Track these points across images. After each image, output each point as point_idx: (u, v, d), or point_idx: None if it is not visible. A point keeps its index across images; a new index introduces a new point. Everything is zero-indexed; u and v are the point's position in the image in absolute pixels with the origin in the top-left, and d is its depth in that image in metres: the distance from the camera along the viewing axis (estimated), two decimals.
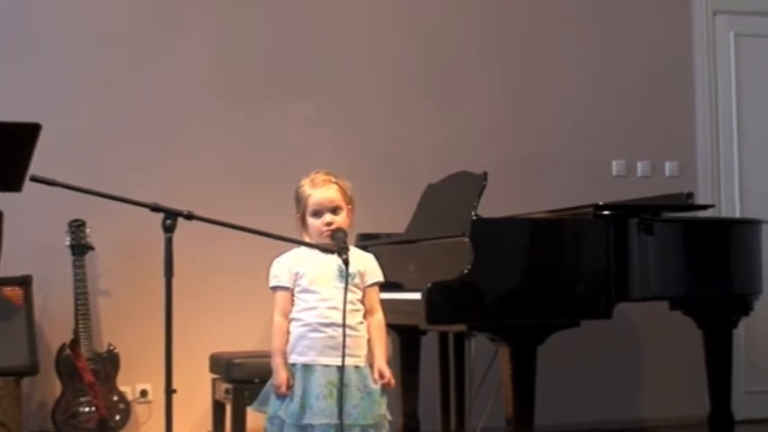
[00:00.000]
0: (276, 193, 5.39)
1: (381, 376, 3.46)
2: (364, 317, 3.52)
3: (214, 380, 4.94)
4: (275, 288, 3.52)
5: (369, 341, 3.51)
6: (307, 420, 3.35)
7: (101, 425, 5.14)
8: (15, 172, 3.83)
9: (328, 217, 3.47)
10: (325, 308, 3.42)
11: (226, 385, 4.69)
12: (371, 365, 3.49)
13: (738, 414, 5.53)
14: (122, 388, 5.38)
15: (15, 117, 3.88)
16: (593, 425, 6.12)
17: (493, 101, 6.35)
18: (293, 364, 3.44)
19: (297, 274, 3.47)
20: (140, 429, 5.57)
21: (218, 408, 4.94)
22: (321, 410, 3.34)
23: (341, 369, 3.37)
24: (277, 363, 3.44)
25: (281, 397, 3.41)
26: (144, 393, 5.59)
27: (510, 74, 6.42)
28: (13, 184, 3.89)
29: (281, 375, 3.42)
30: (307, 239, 3.53)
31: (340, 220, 3.49)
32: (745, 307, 5.35)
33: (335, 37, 6.14)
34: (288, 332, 3.47)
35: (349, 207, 3.54)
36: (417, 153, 6.10)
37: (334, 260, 3.39)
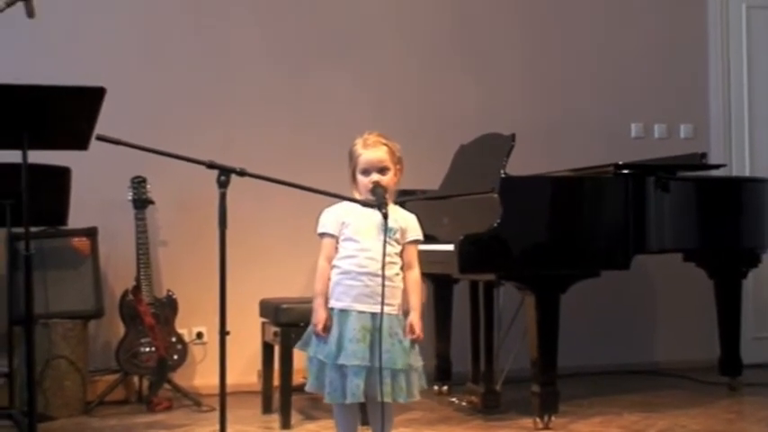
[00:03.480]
0: (320, 151, 5.53)
1: (411, 331, 3.44)
2: (401, 269, 3.49)
3: (263, 323, 4.94)
4: (322, 234, 3.50)
5: (403, 292, 3.49)
6: (341, 361, 3.35)
7: (160, 363, 5.18)
8: (82, 132, 3.80)
9: (375, 176, 3.45)
10: (364, 257, 3.41)
11: (274, 328, 4.70)
12: (405, 314, 3.47)
13: (746, 358, 5.58)
14: (180, 330, 5.40)
15: (81, 81, 3.83)
16: (611, 368, 6.13)
17: (520, 68, 6.32)
18: (331, 308, 3.43)
19: (343, 223, 3.46)
20: (196, 368, 5.63)
21: (267, 349, 4.95)
22: (354, 352, 3.34)
23: (374, 316, 3.37)
24: (317, 303, 3.44)
25: (320, 337, 3.41)
26: (200, 335, 5.64)
27: (534, 44, 6.38)
28: (81, 143, 3.86)
29: (319, 314, 3.42)
30: (356, 194, 3.52)
31: (387, 179, 3.46)
32: (753, 259, 5.40)
33: (376, 7, 6.11)
34: (329, 277, 3.46)
35: (397, 167, 3.52)
36: (451, 115, 6.06)
37: (378, 215, 3.36)
